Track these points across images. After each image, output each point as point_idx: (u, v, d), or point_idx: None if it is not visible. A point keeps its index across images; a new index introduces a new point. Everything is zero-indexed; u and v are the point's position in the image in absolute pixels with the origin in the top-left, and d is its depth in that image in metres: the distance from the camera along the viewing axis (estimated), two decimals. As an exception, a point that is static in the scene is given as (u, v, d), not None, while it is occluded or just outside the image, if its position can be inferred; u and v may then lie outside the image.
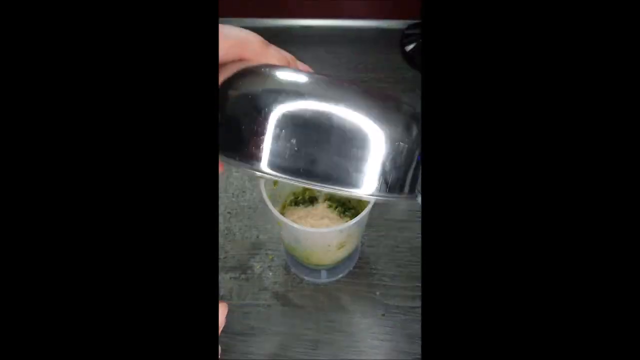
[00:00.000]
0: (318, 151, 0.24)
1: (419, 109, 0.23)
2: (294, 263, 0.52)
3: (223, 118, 0.26)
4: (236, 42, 0.26)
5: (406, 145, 0.26)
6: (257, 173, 0.25)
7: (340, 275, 0.51)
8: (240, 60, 0.27)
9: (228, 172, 0.61)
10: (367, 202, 0.38)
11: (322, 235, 0.40)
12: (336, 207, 0.51)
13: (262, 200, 0.58)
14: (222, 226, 0.56)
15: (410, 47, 0.74)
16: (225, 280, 0.51)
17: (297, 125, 0.24)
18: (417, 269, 0.52)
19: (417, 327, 0.48)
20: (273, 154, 0.24)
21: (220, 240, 0.54)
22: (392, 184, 0.26)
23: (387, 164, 0.25)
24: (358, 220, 0.37)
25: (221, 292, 0.51)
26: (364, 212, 0.37)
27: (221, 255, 0.53)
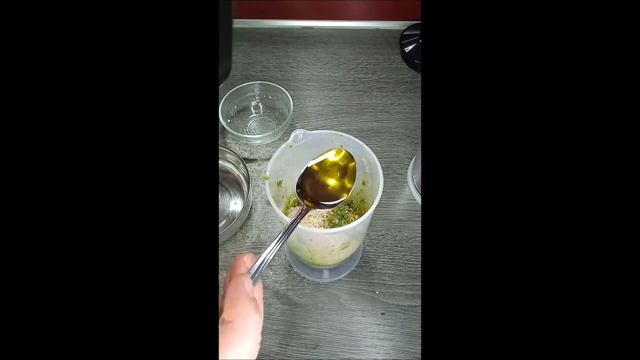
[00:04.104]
0: None
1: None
2: (297, 263, 0.53)
3: None
4: None
5: None
6: None
7: (343, 275, 0.52)
8: None
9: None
10: (371, 203, 0.39)
11: (326, 235, 0.40)
12: (339, 208, 0.51)
13: (262, 200, 0.59)
14: (222, 226, 0.56)
15: (409, 48, 0.74)
16: (226, 280, 0.52)
17: None
18: (416, 268, 0.52)
19: (416, 326, 0.48)
20: None
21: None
22: None
23: None
24: (362, 221, 0.37)
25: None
26: (368, 213, 0.37)
27: (222, 254, 0.54)
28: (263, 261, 0.29)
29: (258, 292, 0.28)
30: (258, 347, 0.26)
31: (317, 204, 0.38)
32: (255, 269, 0.29)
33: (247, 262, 0.29)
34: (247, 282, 0.27)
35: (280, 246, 0.31)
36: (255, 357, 0.26)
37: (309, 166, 0.39)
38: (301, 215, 0.35)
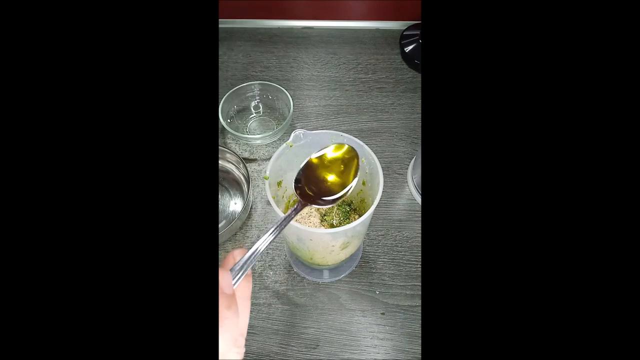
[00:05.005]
0: None
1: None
2: (297, 263, 0.52)
3: None
4: None
5: None
6: None
7: (343, 275, 0.52)
8: None
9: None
10: (371, 203, 0.38)
11: (326, 235, 0.40)
12: (339, 208, 0.51)
13: (262, 200, 0.59)
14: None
15: (409, 48, 0.74)
16: (226, 280, 0.52)
17: None
18: (416, 268, 0.52)
19: (416, 326, 0.48)
20: None
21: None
22: None
23: None
24: (362, 221, 0.37)
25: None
26: (368, 213, 0.37)
27: (222, 254, 0.54)
28: (250, 256, 0.28)
29: (243, 289, 0.27)
30: (238, 344, 0.24)
31: (315, 200, 0.36)
32: (241, 264, 0.28)
33: (236, 257, 0.28)
34: (224, 277, 0.26)
35: (270, 242, 0.30)
36: (233, 357, 0.24)
37: (309, 159, 0.38)
38: (296, 210, 0.34)
